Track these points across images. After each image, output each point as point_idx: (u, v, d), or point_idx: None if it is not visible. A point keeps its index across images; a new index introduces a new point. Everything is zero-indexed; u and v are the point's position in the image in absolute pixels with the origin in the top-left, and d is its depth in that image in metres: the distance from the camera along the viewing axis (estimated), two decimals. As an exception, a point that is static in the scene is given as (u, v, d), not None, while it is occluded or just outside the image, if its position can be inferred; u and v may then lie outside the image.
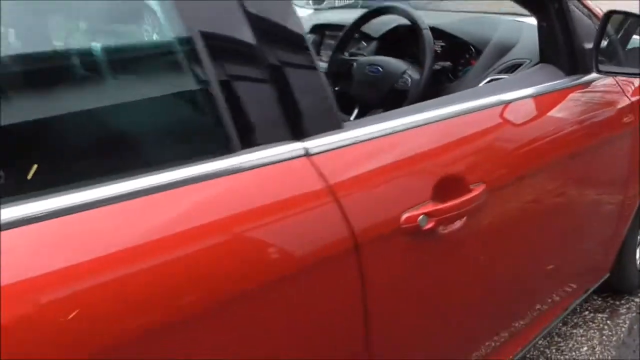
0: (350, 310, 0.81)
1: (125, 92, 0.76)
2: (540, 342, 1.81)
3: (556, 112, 1.29)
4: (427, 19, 1.57)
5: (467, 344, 1.19)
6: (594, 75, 1.36)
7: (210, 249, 0.67)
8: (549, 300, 1.49)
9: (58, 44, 0.77)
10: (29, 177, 0.61)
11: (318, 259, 0.76)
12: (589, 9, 1.37)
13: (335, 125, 0.82)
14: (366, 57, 1.68)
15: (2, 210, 0.54)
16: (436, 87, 1.54)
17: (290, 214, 0.75)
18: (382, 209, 0.83)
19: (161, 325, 0.62)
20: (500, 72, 1.54)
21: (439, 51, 1.58)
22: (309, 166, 0.77)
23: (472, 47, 1.61)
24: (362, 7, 2.02)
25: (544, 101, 1.26)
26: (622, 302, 2.01)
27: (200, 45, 0.70)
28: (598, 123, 1.39)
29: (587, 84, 1.37)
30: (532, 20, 1.48)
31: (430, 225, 0.87)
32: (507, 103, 1.16)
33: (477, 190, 0.96)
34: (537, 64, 1.43)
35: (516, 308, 1.33)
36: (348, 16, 1.91)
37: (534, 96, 1.24)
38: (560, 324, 1.89)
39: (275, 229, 0.73)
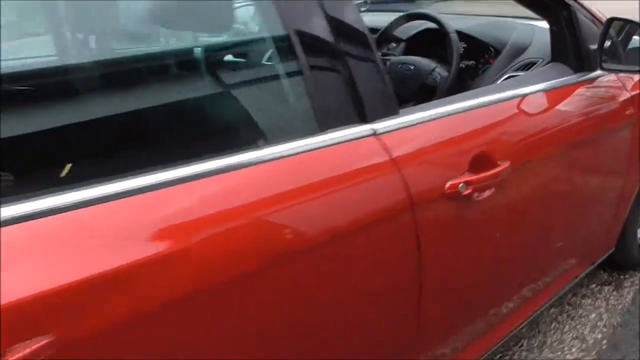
0: (409, 255, 1.03)
1: (236, 81, 0.99)
2: (552, 310, 2.03)
3: (566, 104, 1.51)
4: (450, 22, 1.80)
5: (496, 297, 1.41)
6: (598, 72, 1.58)
7: (302, 205, 0.90)
8: (562, 268, 1.71)
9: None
10: (62, 175, 0.74)
11: (386, 214, 0.99)
12: (593, 15, 1.59)
13: (394, 112, 1.05)
14: (397, 57, 1.90)
15: (167, 173, 0.76)
16: (460, 83, 1.77)
17: (364, 180, 0.98)
18: (432, 178, 1.06)
19: (258, 262, 0.82)
20: (516, 70, 1.76)
21: (461, 52, 1.80)
22: (376, 143, 1.00)
23: (491, 48, 1.84)
24: (389, 11, 2.24)
25: (556, 95, 1.48)
26: (626, 276, 2.23)
27: (294, 44, 0.93)
28: (603, 114, 1.61)
29: (593, 80, 1.59)
30: (544, 24, 1.70)
31: (467, 192, 1.09)
32: (524, 96, 1.39)
33: (503, 165, 1.18)
34: (548, 62, 1.65)
35: (533, 271, 1.56)
36: (377, 19, 2.14)
37: (546, 90, 1.46)
38: (570, 295, 2.11)
39: (353, 191, 0.96)
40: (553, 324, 1.98)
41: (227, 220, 0.79)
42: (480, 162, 1.14)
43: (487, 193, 1.17)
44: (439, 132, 1.12)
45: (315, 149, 0.93)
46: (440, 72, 1.70)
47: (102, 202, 0.69)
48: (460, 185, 1.08)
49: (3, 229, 0.62)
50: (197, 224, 0.76)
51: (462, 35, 1.81)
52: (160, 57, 1.10)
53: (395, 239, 1.01)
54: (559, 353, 1.85)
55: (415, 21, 2.02)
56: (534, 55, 1.75)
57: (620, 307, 2.07)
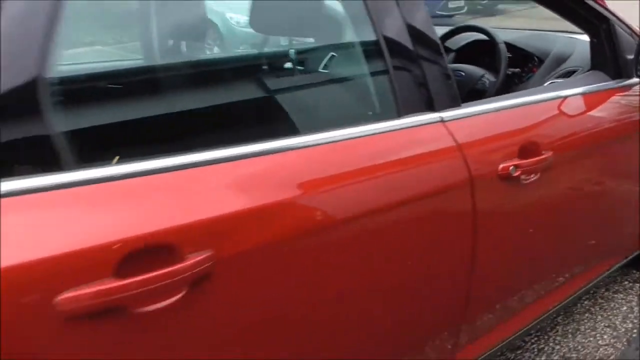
0: (468, 226, 1.24)
1: (341, 76, 1.25)
2: (586, 302, 2.19)
3: (603, 108, 1.69)
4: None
5: (536, 277, 1.60)
6: (635, 80, 1.76)
7: (385, 176, 1.11)
8: (595, 258, 1.88)
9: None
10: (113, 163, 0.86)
11: (451, 188, 1.19)
12: (630, 28, 1.77)
13: (457, 104, 1.26)
14: (449, 65, 2.11)
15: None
16: (506, 88, 1.96)
17: (434, 159, 1.19)
18: (488, 160, 1.26)
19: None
20: (558, 77, 1.95)
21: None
22: (443, 128, 1.21)
23: (535, 58, 2.03)
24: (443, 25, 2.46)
25: (594, 98, 1.67)
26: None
27: (383, 49, 1.16)
28: (636, 118, 1.79)
29: (629, 86, 1.77)
30: (583, 37, 1.89)
31: (517, 174, 1.29)
32: (566, 98, 1.58)
33: (547, 154, 1.38)
34: (588, 70, 1.83)
35: (570, 257, 1.73)
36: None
37: (586, 94, 1.65)
38: (603, 290, 2.27)
39: (424, 169, 1.17)
40: (586, 314, 2.14)
41: (339, 180, 1.03)
42: (527, 150, 1.33)
43: (533, 177, 1.36)
44: (493, 123, 1.33)
45: (396, 129, 1.15)
46: (488, 78, 1.90)
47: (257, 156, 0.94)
48: (511, 167, 1.28)
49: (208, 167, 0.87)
50: (320, 181, 1.00)
51: (509, 46, 2.01)
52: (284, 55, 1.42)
53: (457, 209, 1.22)
54: (592, 339, 2.00)
55: (463, 33, 2.23)
56: (575, 64, 1.93)
57: (649, 301, 2.21)
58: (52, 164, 0.78)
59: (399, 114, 1.17)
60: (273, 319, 0.97)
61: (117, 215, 0.80)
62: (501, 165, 1.27)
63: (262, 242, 0.91)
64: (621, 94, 1.74)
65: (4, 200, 0.70)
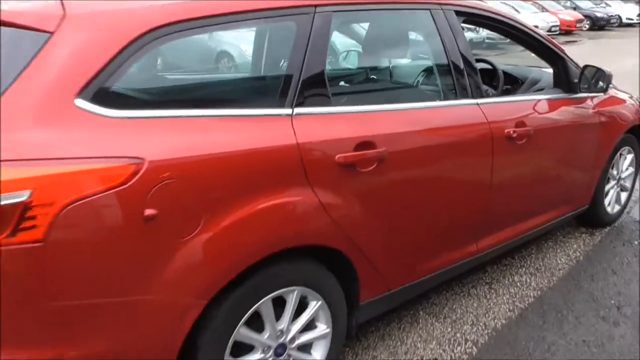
0: (487, 164, 2.34)
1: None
2: (543, 243, 3.30)
3: (561, 110, 2.84)
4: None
5: (521, 207, 2.70)
6: (579, 95, 2.92)
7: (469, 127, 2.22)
8: (554, 207, 2.99)
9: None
10: None
11: (481, 137, 2.29)
12: (575, 63, 2.94)
13: (481, 96, 2.38)
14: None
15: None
16: (500, 99, 3.11)
17: (476, 120, 2.29)
18: (501, 124, 2.36)
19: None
20: (532, 92, 3.11)
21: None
22: (477, 107, 2.32)
23: (519, 80, 3.18)
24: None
25: (555, 103, 2.82)
26: (597, 230, 3.50)
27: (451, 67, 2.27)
28: (581, 116, 2.95)
29: (576, 98, 2.93)
30: (548, 70, 3.06)
31: (514, 136, 2.40)
32: (539, 100, 2.72)
33: (530, 128, 2.50)
34: (551, 88, 2.99)
35: (534, 203, 2.84)
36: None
37: (550, 100, 2.80)
38: (559, 235, 3.39)
39: (474, 125, 2.27)
40: (546, 246, 3.25)
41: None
42: (520, 124, 2.46)
43: (524, 140, 2.47)
44: (502, 108, 2.46)
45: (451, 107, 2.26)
46: (490, 92, 3.02)
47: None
48: (512, 131, 2.39)
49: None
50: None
51: (503, 73, 3.15)
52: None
53: (482, 154, 2.32)
54: (551, 259, 3.11)
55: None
56: (543, 85, 3.09)
57: (591, 243, 3.34)
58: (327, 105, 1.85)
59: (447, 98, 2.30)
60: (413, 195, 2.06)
61: (350, 130, 1.85)
62: (506, 130, 2.38)
63: (418, 147, 2.00)
64: (571, 101, 2.90)
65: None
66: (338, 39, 2.45)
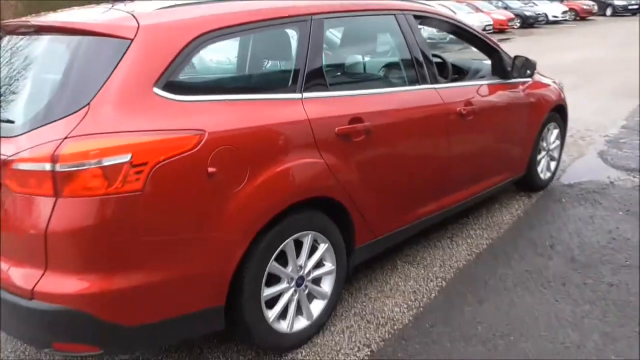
0: (445, 136, 2.95)
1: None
2: (491, 205, 3.97)
3: (499, 92, 3.50)
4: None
5: (470, 173, 3.33)
6: (512, 80, 3.60)
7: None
8: (498, 173, 3.65)
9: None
10: None
11: (439, 113, 2.90)
12: (507, 54, 3.61)
13: (437, 82, 2.99)
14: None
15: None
16: (450, 86, 3.75)
17: (436, 102, 2.89)
18: (454, 104, 2.98)
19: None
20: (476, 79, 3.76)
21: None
22: (435, 92, 2.92)
23: (464, 70, 3.82)
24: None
25: (494, 87, 3.47)
26: (534, 193, 4.21)
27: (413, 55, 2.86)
28: (514, 97, 3.62)
29: (509, 83, 3.60)
30: (487, 62, 3.72)
31: (464, 112, 3.02)
32: (481, 85, 3.37)
33: (476, 106, 3.13)
34: (490, 76, 3.64)
35: (482, 169, 3.48)
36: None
37: (490, 84, 3.45)
38: (503, 198, 4.07)
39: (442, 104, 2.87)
40: (494, 208, 3.92)
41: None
42: (467, 103, 3.08)
43: (471, 117, 3.10)
44: (454, 91, 3.07)
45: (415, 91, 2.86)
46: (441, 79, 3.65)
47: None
48: (462, 109, 3.01)
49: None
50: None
51: (452, 64, 3.78)
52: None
53: (440, 128, 2.92)
54: (498, 217, 3.77)
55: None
56: (483, 73, 3.74)
57: (529, 203, 4.03)
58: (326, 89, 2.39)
59: (417, 84, 2.89)
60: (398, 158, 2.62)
61: (344, 108, 2.40)
62: (458, 108, 3.00)
63: (395, 122, 2.56)
64: (506, 86, 3.56)
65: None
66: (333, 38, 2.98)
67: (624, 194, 4.11)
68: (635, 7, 27.70)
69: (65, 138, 1.68)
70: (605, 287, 2.81)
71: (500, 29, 21.54)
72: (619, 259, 3.11)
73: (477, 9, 22.34)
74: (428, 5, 3.29)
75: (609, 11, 28.12)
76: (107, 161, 1.68)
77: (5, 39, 2.22)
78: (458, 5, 21.46)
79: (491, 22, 21.04)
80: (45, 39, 2.09)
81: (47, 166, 1.67)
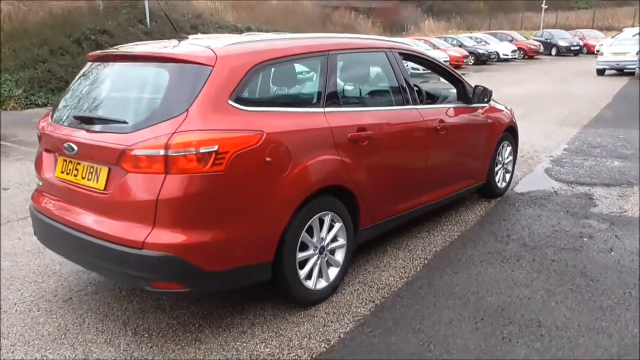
0: (424, 147, 3.77)
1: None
2: (458, 207, 4.80)
3: (463, 115, 4.37)
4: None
5: (443, 179, 4.16)
6: (473, 105, 4.48)
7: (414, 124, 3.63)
8: (464, 179, 4.50)
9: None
10: None
11: (420, 128, 3.72)
12: (469, 84, 4.51)
13: (406, 105, 3.83)
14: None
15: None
16: (424, 109, 4.60)
17: (418, 119, 3.72)
18: (431, 121, 3.81)
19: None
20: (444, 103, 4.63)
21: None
22: (417, 111, 3.75)
23: (435, 96, 4.68)
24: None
25: (459, 110, 4.34)
26: (493, 199, 5.07)
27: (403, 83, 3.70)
28: (475, 119, 4.51)
29: (471, 107, 4.48)
30: (453, 89, 4.61)
31: (439, 128, 3.86)
32: (448, 108, 4.23)
33: (447, 124, 3.98)
34: (456, 101, 4.52)
35: (455, 174, 4.32)
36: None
37: (455, 108, 4.31)
38: (468, 202, 4.91)
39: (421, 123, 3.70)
40: (461, 210, 4.75)
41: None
42: (440, 121, 3.93)
43: (443, 132, 3.94)
44: (430, 112, 3.91)
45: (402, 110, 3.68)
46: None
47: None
48: (437, 126, 3.85)
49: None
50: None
51: (426, 91, 4.63)
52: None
53: (421, 139, 3.74)
54: (464, 216, 4.59)
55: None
56: (451, 99, 4.61)
57: (489, 207, 4.88)
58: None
59: (403, 104, 3.71)
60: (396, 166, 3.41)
61: (353, 121, 3.19)
62: (434, 124, 3.83)
63: (389, 132, 3.36)
64: (468, 109, 4.44)
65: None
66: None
67: (565, 200, 5.03)
68: (577, 48, 30.15)
69: (174, 133, 2.38)
70: (549, 262, 3.64)
71: (456, 65, 23.12)
72: (560, 244, 3.96)
73: (435, 46, 23.96)
74: (408, 44, 4.16)
75: (554, 51, 30.44)
76: (203, 149, 2.39)
77: (104, 64, 2.92)
78: (416, 42, 22.98)
79: (447, 58, 22.58)
80: (141, 65, 2.81)
81: (161, 152, 2.37)
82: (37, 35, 14.16)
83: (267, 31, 19.18)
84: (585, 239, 4.03)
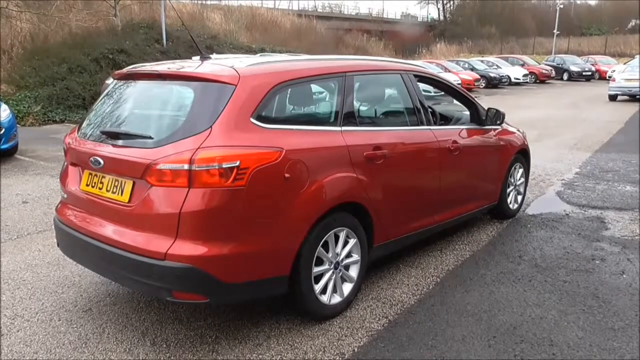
0: (437, 167, 3.84)
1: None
2: (470, 227, 4.85)
3: (475, 136, 4.45)
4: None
5: (455, 199, 4.22)
6: (486, 127, 4.56)
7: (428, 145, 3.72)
8: (477, 199, 4.56)
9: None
10: None
11: (434, 149, 3.80)
12: (482, 107, 4.59)
13: (437, 124, 3.91)
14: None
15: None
16: (437, 130, 4.69)
17: (431, 139, 3.81)
18: (446, 141, 3.90)
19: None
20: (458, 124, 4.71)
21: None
22: (431, 132, 3.84)
23: (448, 117, 4.77)
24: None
25: (472, 131, 4.42)
26: (505, 221, 5.11)
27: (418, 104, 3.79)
28: (487, 141, 4.58)
29: (484, 129, 4.56)
30: (466, 111, 4.70)
31: (452, 149, 3.94)
32: (462, 129, 4.31)
33: (460, 144, 4.05)
34: (469, 122, 4.60)
35: (465, 194, 4.38)
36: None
37: (468, 129, 4.39)
38: (480, 223, 4.95)
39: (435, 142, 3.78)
40: (473, 230, 4.79)
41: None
42: (454, 142, 4.00)
43: (456, 152, 4.01)
44: (444, 132, 3.99)
45: (417, 130, 3.77)
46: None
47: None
48: (450, 146, 3.93)
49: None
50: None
51: (439, 113, 4.72)
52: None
53: (434, 159, 3.82)
54: (476, 236, 4.64)
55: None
56: (463, 121, 4.69)
57: (501, 227, 4.92)
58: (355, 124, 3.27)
59: (418, 125, 3.80)
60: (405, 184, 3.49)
61: (368, 139, 3.28)
62: (447, 145, 3.91)
63: (404, 151, 3.45)
64: (481, 131, 4.52)
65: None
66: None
67: (576, 222, 5.05)
68: (589, 73, 30.22)
69: (198, 148, 2.48)
70: (561, 283, 3.67)
71: (467, 88, 23.26)
72: (572, 266, 3.99)
73: (446, 69, 24.15)
74: (423, 67, 4.27)
75: (565, 76, 30.55)
76: (225, 165, 2.49)
77: (130, 82, 3.05)
78: (428, 65, 23.23)
79: (459, 81, 22.75)
80: (166, 83, 2.93)
81: (186, 166, 2.46)
82: (57, 54, 14.54)
83: (280, 52, 19.53)
84: (597, 262, 4.05)
